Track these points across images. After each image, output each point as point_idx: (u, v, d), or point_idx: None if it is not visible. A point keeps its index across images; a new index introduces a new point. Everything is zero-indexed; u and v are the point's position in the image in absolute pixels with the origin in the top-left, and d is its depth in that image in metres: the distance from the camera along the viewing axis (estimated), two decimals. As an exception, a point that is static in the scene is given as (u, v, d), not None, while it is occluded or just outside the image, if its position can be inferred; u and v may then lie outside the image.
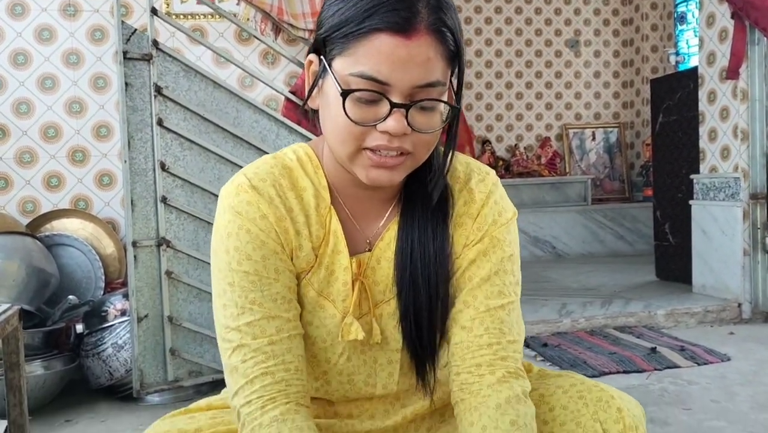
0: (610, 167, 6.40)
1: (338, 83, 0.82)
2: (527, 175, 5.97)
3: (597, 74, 6.43)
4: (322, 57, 0.86)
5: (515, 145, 6.24)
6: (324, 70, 0.85)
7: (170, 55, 2.29)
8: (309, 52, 0.90)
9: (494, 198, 0.99)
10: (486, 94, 6.23)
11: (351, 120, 0.82)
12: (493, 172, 1.03)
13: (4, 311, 1.35)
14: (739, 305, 3.27)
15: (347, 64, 0.81)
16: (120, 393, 2.35)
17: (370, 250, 1.00)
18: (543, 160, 6.16)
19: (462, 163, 1.01)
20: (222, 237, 0.94)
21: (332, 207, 0.96)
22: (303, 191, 0.95)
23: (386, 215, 1.00)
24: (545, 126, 6.35)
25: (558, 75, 6.36)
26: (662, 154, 4.04)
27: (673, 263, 3.99)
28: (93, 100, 3.09)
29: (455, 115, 0.89)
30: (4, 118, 3.01)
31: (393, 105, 0.81)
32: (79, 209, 2.84)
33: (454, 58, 0.86)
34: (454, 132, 0.94)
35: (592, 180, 6.15)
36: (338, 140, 0.86)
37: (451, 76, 0.87)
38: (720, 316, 3.26)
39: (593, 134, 6.38)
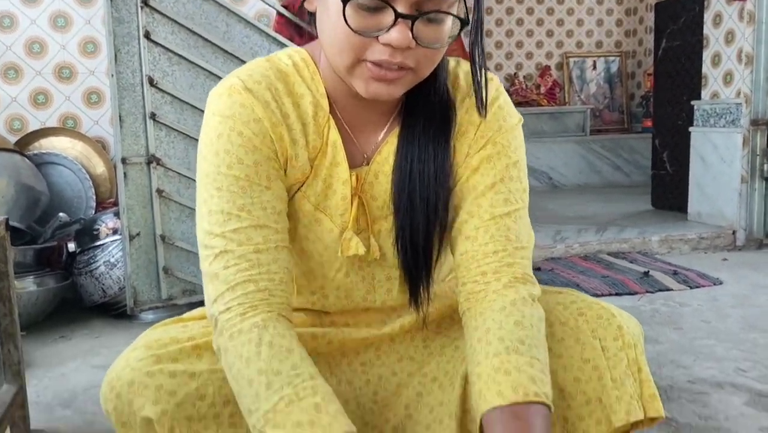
0: (609, 98, 6.30)
1: None
2: (526, 105, 5.88)
3: (600, 0, 6.24)
4: None
5: (515, 74, 6.12)
6: None
7: (156, -36, 2.19)
8: None
9: (498, 103, 0.94)
10: (486, 20, 6.05)
11: (351, 29, 0.76)
12: (496, 77, 0.98)
13: (-11, 219, 1.32)
14: (734, 232, 3.27)
15: None
16: (114, 311, 2.35)
17: (367, 164, 0.96)
18: (542, 90, 6.06)
19: (464, 70, 0.96)
20: (211, 139, 0.89)
21: (331, 117, 0.91)
22: (300, 98, 0.90)
23: (385, 128, 0.95)
24: (545, 54, 6.21)
25: (560, 0, 6.18)
26: (664, 81, 3.96)
27: (669, 191, 3.97)
28: (78, 15, 2.98)
29: (478, 26, 0.82)
30: (-13, 34, 2.91)
31: (398, 15, 0.75)
32: (67, 128, 2.78)
33: None
34: (479, 43, 0.87)
35: (591, 110, 6.07)
36: (336, 50, 0.80)
37: None
38: (714, 243, 3.26)
39: (594, 63, 6.25)
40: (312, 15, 0.87)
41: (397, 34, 0.75)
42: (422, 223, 0.93)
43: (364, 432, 0.99)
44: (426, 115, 0.92)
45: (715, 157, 3.39)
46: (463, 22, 0.81)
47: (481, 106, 0.92)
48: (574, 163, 5.66)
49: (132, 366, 0.94)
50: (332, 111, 0.92)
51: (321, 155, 0.93)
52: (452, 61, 0.97)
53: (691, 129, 3.56)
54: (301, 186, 0.94)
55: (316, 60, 0.92)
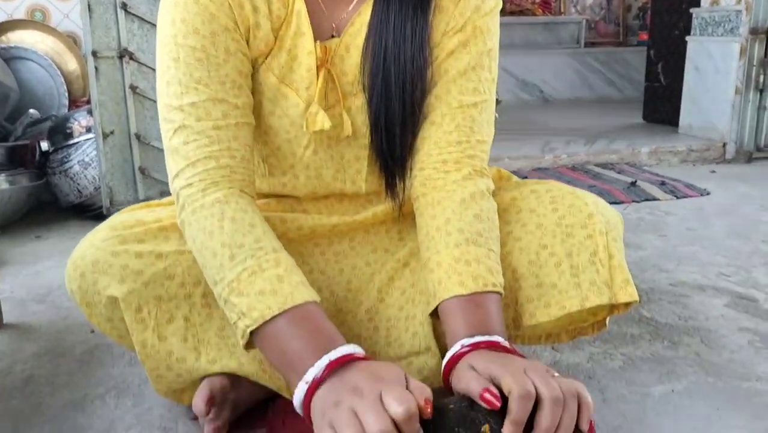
0: (606, 9, 6.11)
1: None
2: (519, 14, 5.69)
3: None
4: None
5: (509, -20, 5.88)
6: None
7: None
8: None
9: None
10: None
11: None
12: None
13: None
14: (724, 145, 3.22)
15: None
16: (90, 212, 2.30)
17: (338, 35, 0.91)
18: (537, -1, 5.85)
19: None
20: (168, 7, 0.85)
21: None
22: None
23: (356, 1, 0.90)
24: (542, -40, 5.96)
25: None
26: (663, -12, 3.81)
27: (661, 104, 3.90)
28: None
29: None
30: None
31: None
32: (36, 21, 2.64)
33: None
34: None
35: (587, 22, 5.89)
36: None
37: None
38: (703, 155, 3.22)
39: (592, -28, 6.02)
40: None
41: None
42: (398, 109, 0.90)
43: (338, 318, 0.97)
44: None
45: (710, 68, 3.31)
46: None
47: None
48: (567, 76, 5.54)
49: (96, 246, 0.91)
50: None
51: (285, 25, 0.88)
52: None
53: (687, 38, 3.45)
54: (266, 58, 0.90)
55: None
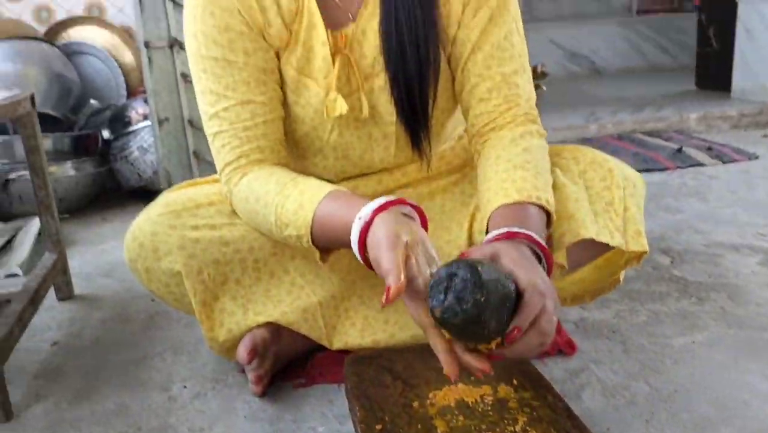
0: (659, -26, 5.92)
1: None
2: (568, -16, 5.58)
3: None
4: None
5: (556, -52, 5.78)
6: None
7: None
8: None
9: None
10: None
11: None
12: None
13: (14, 96, 1.37)
14: (777, 108, 3.14)
15: None
16: (151, 195, 2.43)
17: (354, 20, 0.97)
18: (587, -35, 5.72)
19: None
20: (189, 22, 0.95)
21: None
22: None
23: None
24: (590, -72, 5.83)
25: None
26: (713, -51, 3.70)
27: (713, 69, 3.79)
28: None
29: None
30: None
31: None
32: (93, 16, 2.80)
33: None
34: None
35: (639, -11, 5.73)
36: None
37: None
38: (756, 120, 3.14)
39: (644, -64, 5.84)
40: None
41: None
42: (414, 70, 0.95)
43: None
44: None
45: (762, 29, 3.21)
46: None
47: None
48: (618, 46, 5.42)
49: (153, 220, 1.02)
50: None
51: (298, 20, 0.95)
52: None
53: (738, 0, 3.35)
54: (284, 53, 0.97)
55: None
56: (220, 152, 0.97)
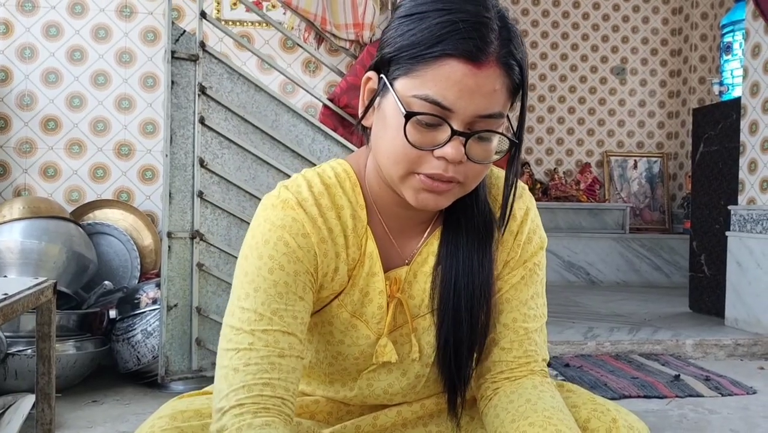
0: (651, 197, 6.31)
1: (401, 104, 0.81)
2: (564, 200, 5.93)
3: (642, 103, 6.37)
4: (382, 75, 0.85)
5: (554, 169, 6.21)
6: (384, 88, 0.84)
7: (216, 57, 2.39)
8: (368, 69, 0.89)
9: (531, 216, 1.01)
10: (527, 117, 6.22)
11: (410, 143, 0.81)
12: (526, 189, 1.04)
13: (40, 283, 1.43)
14: (772, 341, 3.19)
15: (412, 86, 0.80)
16: (146, 379, 2.43)
17: (408, 264, 1.00)
18: (582, 186, 6.12)
19: (497, 177, 1.02)
20: (258, 243, 0.92)
21: (368, 227, 0.96)
22: (341, 210, 0.94)
23: (425, 234, 1.00)
24: (586, 152, 6.32)
25: (602, 102, 6.33)
26: (701, 185, 3.99)
27: (706, 295, 3.92)
28: (142, 98, 3.22)
29: (516, 148, 0.88)
30: (58, 111, 3.17)
31: (454, 132, 0.80)
32: (121, 201, 2.96)
33: (517, 91, 0.85)
34: (515, 166, 0.93)
35: (632, 209, 6.08)
36: (391, 161, 0.85)
37: (510, 108, 0.87)
38: (751, 350, 3.19)
39: (635, 163, 6.31)
40: (365, 129, 0.93)
41: (452, 150, 0.81)
42: (467, 332, 0.97)
43: None
44: (467, 225, 0.97)
45: (752, 263, 3.37)
46: (513, 143, 0.87)
47: (503, 225, 0.97)
48: (613, 260, 5.64)
49: None
50: (372, 219, 0.96)
51: (359, 266, 0.97)
52: (491, 171, 1.03)
53: (727, 233, 3.55)
54: (339, 295, 0.97)
55: (358, 171, 0.97)
56: (239, 370, 0.88)
